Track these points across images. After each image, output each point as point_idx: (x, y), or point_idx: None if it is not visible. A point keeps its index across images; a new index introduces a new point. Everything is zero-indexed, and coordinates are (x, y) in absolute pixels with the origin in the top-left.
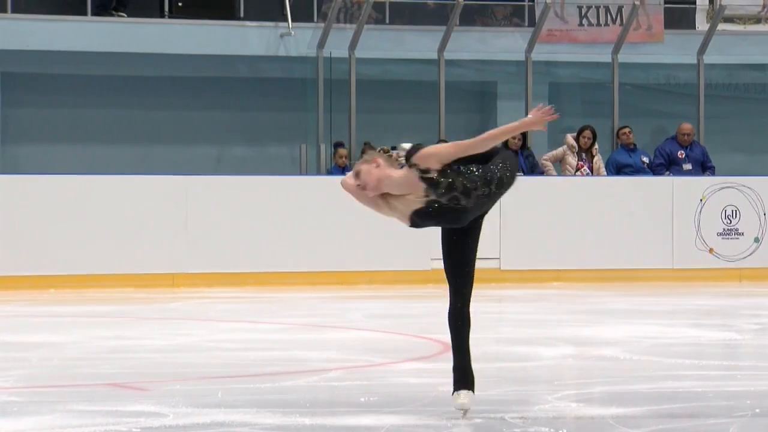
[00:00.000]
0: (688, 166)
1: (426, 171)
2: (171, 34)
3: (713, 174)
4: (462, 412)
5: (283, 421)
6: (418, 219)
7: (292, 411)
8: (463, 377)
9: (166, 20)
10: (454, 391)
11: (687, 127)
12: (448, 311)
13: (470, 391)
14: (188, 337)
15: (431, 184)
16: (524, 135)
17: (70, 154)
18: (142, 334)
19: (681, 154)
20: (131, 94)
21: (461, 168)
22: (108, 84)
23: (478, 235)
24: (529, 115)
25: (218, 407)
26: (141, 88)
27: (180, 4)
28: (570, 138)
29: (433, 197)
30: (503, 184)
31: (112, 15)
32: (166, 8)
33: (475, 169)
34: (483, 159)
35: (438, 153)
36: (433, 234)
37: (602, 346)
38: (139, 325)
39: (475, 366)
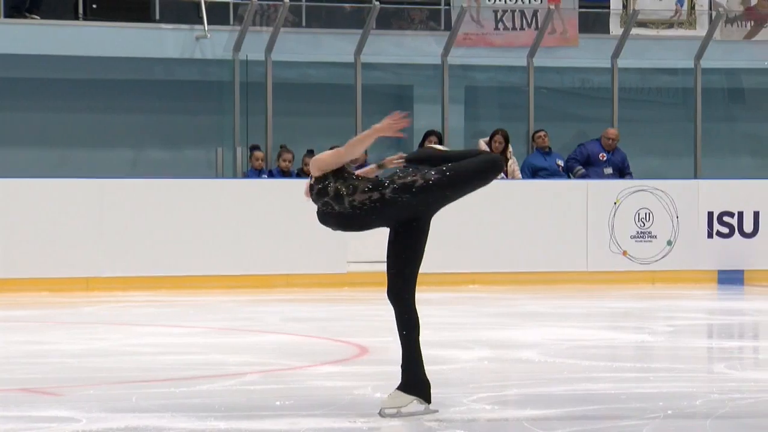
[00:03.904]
0: (608, 171)
1: (312, 177)
2: (85, 37)
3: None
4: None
5: (199, 426)
6: (320, 219)
7: (207, 415)
8: None
9: (80, 22)
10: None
11: (613, 132)
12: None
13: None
14: (103, 341)
15: (309, 188)
16: (440, 139)
17: None
18: (56, 339)
19: (602, 156)
20: (45, 97)
21: (347, 174)
22: (20, 87)
23: (410, 240)
24: (382, 122)
25: (132, 412)
26: (55, 90)
27: (94, 6)
28: (483, 143)
29: (317, 201)
30: (407, 190)
31: (25, 17)
32: (80, 10)
33: (356, 176)
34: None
35: (318, 160)
36: (350, 237)
37: (518, 348)
38: (54, 329)
39: (392, 369)
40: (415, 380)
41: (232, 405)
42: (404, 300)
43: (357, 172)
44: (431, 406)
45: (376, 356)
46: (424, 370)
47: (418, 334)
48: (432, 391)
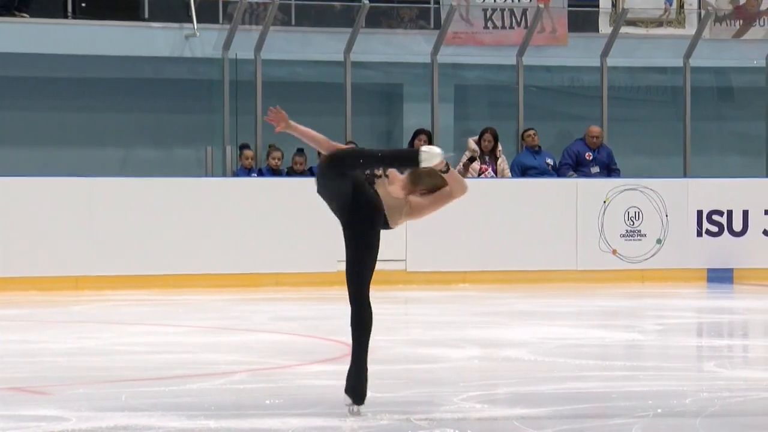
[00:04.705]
0: (595, 169)
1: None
2: (74, 35)
3: (618, 177)
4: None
5: (188, 425)
6: None
7: (197, 414)
8: None
9: (69, 21)
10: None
11: (596, 130)
12: (369, 316)
13: None
14: (93, 340)
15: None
16: (430, 138)
17: None
18: (45, 338)
19: (588, 155)
20: (34, 96)
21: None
22: (10, 85)
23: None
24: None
25: (122, 411)
26: (44, 89)
27: (84, 4)
28: (472, 142)
29: None
30: None
31: (14, 15)
32: (70, 9)
33: None
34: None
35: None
36: (339, 236)
37: (508, 347)
38: (43, 328)
39: (382, 368)
40: (353, 383)
41: (222, 404)
42: (351, 301)
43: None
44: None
45: None
46: (364, 373)
47: (364, 337)
48: (422, 389)
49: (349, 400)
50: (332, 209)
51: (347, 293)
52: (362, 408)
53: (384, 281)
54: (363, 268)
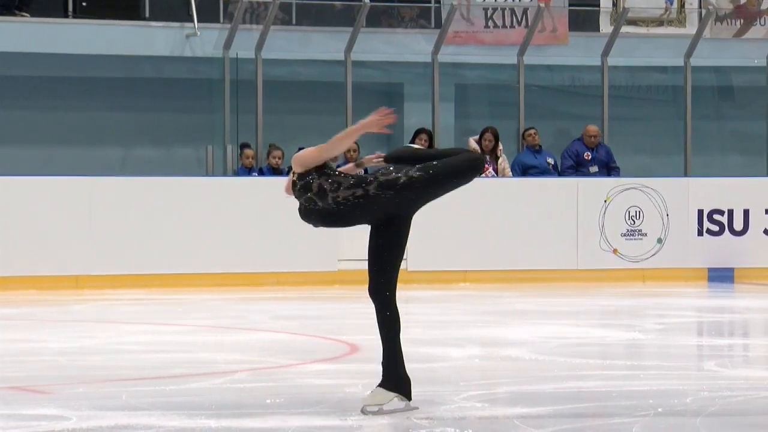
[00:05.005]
0: (594, 169)
1: (294, 174)
2: (75, 34)
3: (618, 175)
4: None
5: (189, 424)
6: (301, 216)
7: (197, 413)
8: None
9: (69, 20)
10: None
11: (593, 129)
12: (398, 311)
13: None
14: (92, 339)
15: (292, 185)
16: (430, 138)
17: None
18: (45, 337)
19: (587, 155)
20: (34, 95)
21: (330, 171)
22: (10, 84)
23: (390, 237)
24: (369, 118)
25: (122, 410)
26: (45, 88)
27: (84, 3)
28: (473, 142)
29: (300, 197)
30: (390, 186)
31: (14, 14)
32: (70, 8)
33: (339, 173)
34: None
35: (300, 156)
36: (340, 235)
37: (508, 346)
38: (43, 327)
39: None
40: (395, 377)
41: (222, 403)
42: (384, 297)
43: (339, 169)
44: (412, 403)
45: (366, 354)
46: (404, 367)
47: (399, 331)
48: (422, 389)
49: (372, 407)
50: (354, 221)
51: (377, 290)
52: (368, 407)
53: None
54: (398, 267)
